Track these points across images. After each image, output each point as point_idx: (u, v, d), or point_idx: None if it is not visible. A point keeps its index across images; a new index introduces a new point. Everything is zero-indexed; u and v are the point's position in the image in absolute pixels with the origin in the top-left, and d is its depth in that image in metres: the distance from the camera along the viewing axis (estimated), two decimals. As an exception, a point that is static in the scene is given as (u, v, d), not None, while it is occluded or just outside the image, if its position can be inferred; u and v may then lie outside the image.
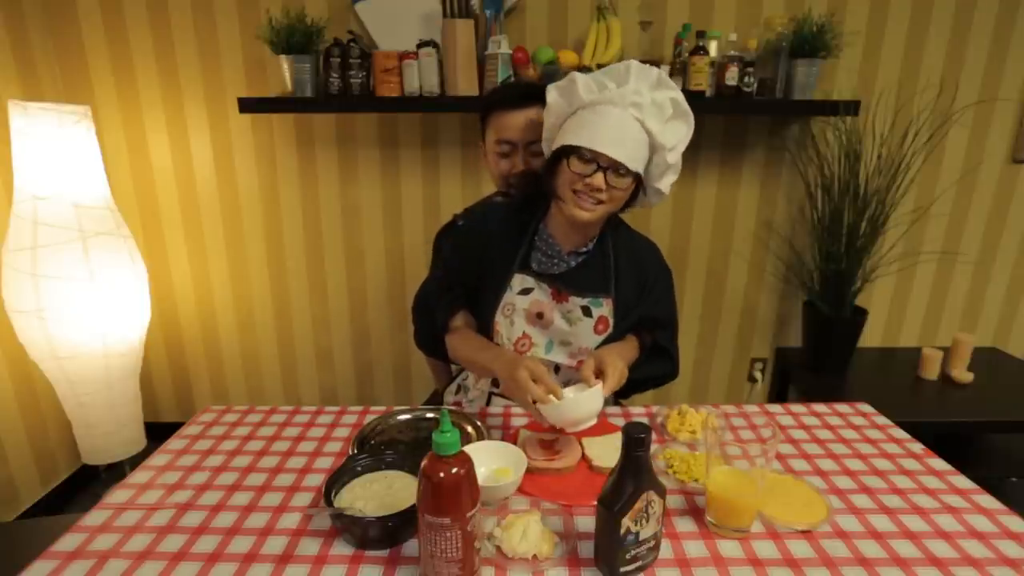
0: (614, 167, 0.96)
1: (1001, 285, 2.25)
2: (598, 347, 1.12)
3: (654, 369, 1.18)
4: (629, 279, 1.13)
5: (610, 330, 1.12)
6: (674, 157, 1.00)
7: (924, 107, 2.02)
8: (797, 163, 2.09)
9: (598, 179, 0.97)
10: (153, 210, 2.15)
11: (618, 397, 1.26)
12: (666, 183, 1.04)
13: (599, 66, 1.84)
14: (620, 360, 0.99)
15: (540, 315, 1.10)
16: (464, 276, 1.15)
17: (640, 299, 1.14)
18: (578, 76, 1.00)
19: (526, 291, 1.11)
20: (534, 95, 1.14)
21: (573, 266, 1.11)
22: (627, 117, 0.96)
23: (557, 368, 1.14)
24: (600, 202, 1.00)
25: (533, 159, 1.22)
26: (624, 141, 0.95)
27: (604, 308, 1.11)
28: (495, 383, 1.18)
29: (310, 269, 2.23)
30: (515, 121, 1.20)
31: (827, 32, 1.81)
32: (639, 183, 1.03)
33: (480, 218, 1.20)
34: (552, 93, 1.04)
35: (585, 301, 1.10)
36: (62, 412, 1.85)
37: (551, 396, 0.89)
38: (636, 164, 0.97)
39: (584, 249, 1.11)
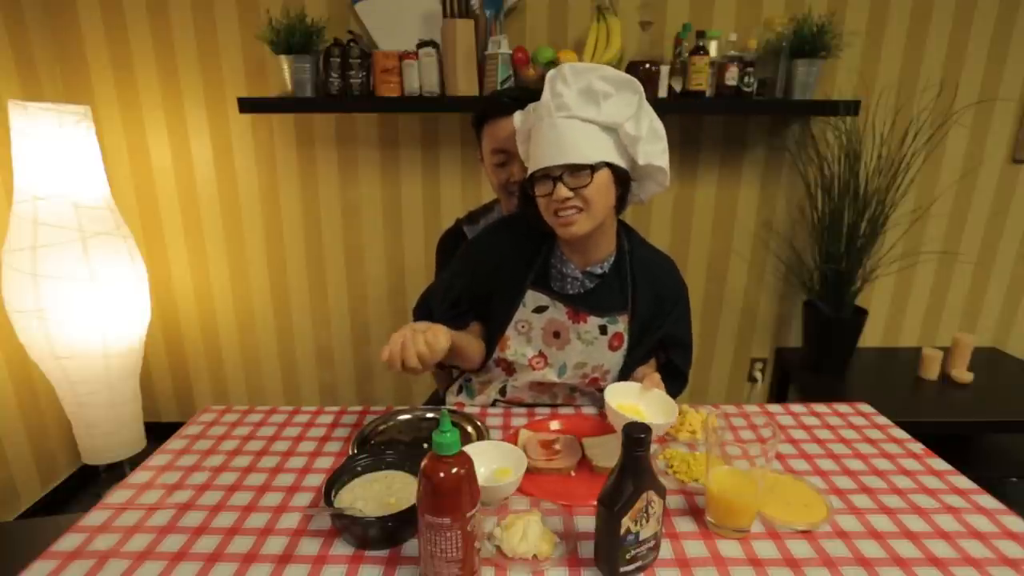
0: (567, 170, 0.94)
1: (1001, 285, 2.25)
2: (621, 370, 1.13)
3: (669, 389, 1.18)
4: (647, 297, 1.11)
5: (624, 346, 1.11)
6: (636, 127, 0.95)
7: (924, 107, 2.02)
8: (797, 163, 2.09)
9: (560, 191, 0.94)
10: (153, 210, 2.15)
11: None
12: (652, 155, 0.97)
13: (599, 66, 1.85)
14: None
15: (557, 334, 1.09)
16: (472, 292, 1.13)
17: (656, 317, 1.13)
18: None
19: (541, 309, 1.09)
20: (526, 100, 1.09)
21: (591, 287, 1.09)
22: (557, 122, 0.94)
23: (574, 389, 1.14)
24: (578, 210, 0.96)
25: None
26: (561, 144, 0.94)
27: (620, 325, 1.10)
28: (502, 392, 1.17)
29: (310, 269, 2.23)
30: (508, 130, 1.17)
31: (827, 32, 1.81)
32: (618, 175, 0.98)
33: (493, 235, 1.16)
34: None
35: (603, 320, 1.09)
36: (62, 412, 1.85)
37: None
38: (587, 156, 0.94)
39: (600, 270, 1.09)
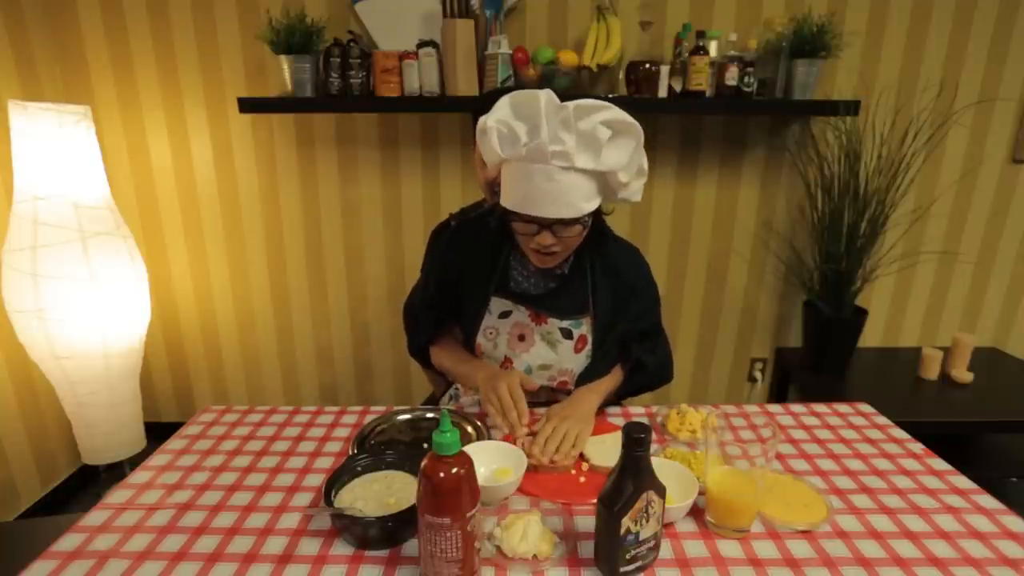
0: (557, 222, 0.92)
1: (1001, 285, 2.25)
2: (580, 376, 1.11)
3: (634, 383, 1.17)
4: (606, 293, 1.11)
5: (588, 347, 1.11)
6: (628, 174, 0.92)
7: (924, 107, 2.02)
8: (797, 163, 2.09)
9: (545, 238, 0.94)
10: (153, 210, 2.15)
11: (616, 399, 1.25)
12: (632, 192, 0.96)
13: (599, 66, 1.85)
14: (577, 423, 0.97)
15: (522, 337, 1.11)
16: (444, 297, 1.16)
17: (617, 311, 1.12)
18: (491, 126, 0.90)
19: (505, 314, 1.11)
20: None
21: (552, 288, 1.11)
22: (553, 171, 0.87)
23: (553, 389, 1.14)
24: (558, 252, 0.98)
25: None
26: (559, 196, 0.89)
27: (584, 327, 1.11)
28: None
29: (310, 269, 2.23)
30: None
31: (827, 32, 1.81)
32: (597, 211, 0.98)
33: (452, 246, 1.18)
34: (477, 138, 0.96)
35: (565, 323, 1.10)
36: (62, 412, 1.85)
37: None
38: (581, 209, 0.91)
39: (559, 271, 1.11)
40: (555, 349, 1.10)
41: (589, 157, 0.88)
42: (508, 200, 0.94)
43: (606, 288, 1.11)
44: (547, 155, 0.87)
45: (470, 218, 1.23)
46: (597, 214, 1.00)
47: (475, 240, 1.14)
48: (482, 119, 0.92)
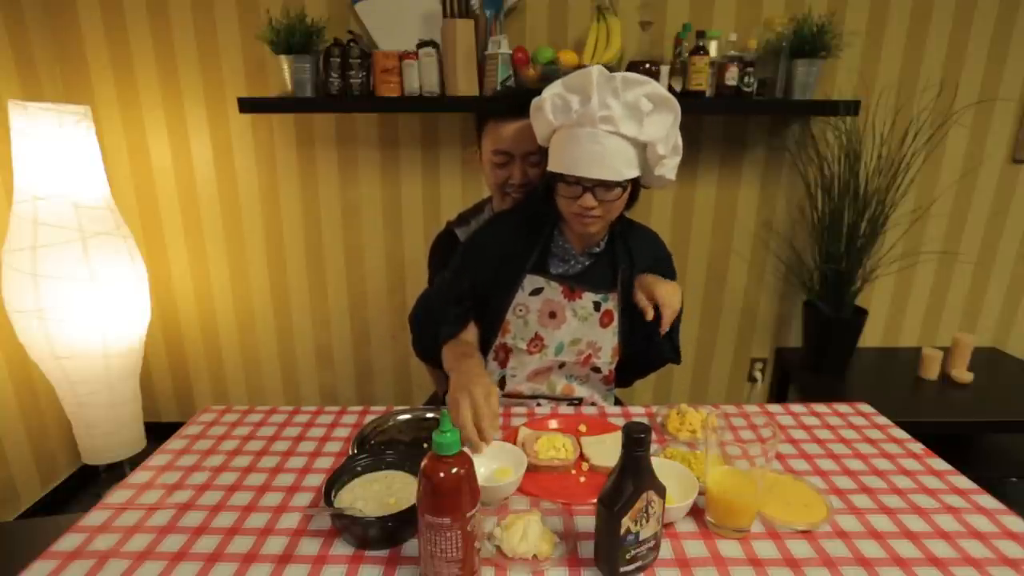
0: (600, 184, 0.98)
1: (1001, 285, 2.25)
2: (612, 358, 1.14)
3: (662, 351, 1.21)
4: (645, 266, 1.16)
5: (614, 323, 1.15)
6: (665, 147, 0.99)
7: (924, 107, 2.02)
8: (797, 163, 2.09)
9: (587, 200, 0.99)
10: (153, 210, 2.15)
11: (624, 379, 1.27)
12: (668, 169, 1.03)
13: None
14: (673, 290, 1.07)
15: (553, 314, 1.12)
16: (476, 287, 1.16)
17: None
18: (546, 98, 1.00)
19: (537, 291, 1.13)
20: (530, 105, 1.08)
21: (588, 265, 1.14)
22: (599, 134, 0.95)
23: (562, 364, 1.16)
24: (599, 216, 1.03)
25: (531, 169, 1.21)
26: (603, 158, 0.96)
27: (611, 303, 1.14)
28: (501, 383, 1.18)
29: (310, 269, 2.23)
30: (511, 132, 1.18)
31: (827, 32, 1.81)
32: (636, 179, 1.04)
33: (494, 228, 1.20)
34: (531, 115, 1.05)
35: (597, 296, 1.13)
36: (62, 412, 1.85)
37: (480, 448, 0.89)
38: (622, 173, 0.98)
39: (597, 249, 1.15)
40: (585, 323, 1.13)
41: (633, 125, 0.96)
42: (556, 164, 1.01)
43: (646, 259, 1.17)
44: (595, 119, 0.95)
45: (507, 210, 1.25)
46: (635, 187, 1.06)
47: (513, 227, 1.16)
48: (536, 98, 1.02)
